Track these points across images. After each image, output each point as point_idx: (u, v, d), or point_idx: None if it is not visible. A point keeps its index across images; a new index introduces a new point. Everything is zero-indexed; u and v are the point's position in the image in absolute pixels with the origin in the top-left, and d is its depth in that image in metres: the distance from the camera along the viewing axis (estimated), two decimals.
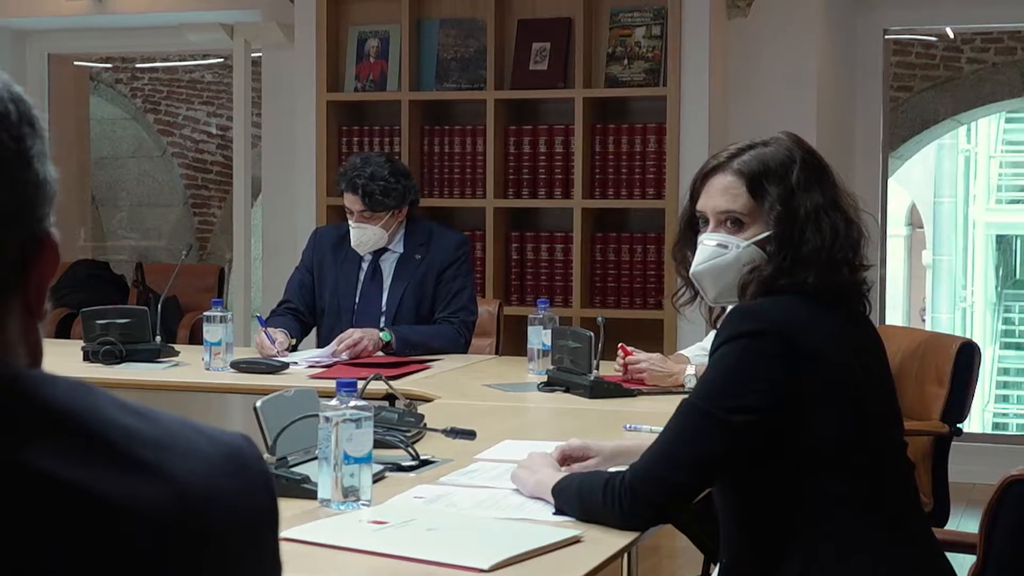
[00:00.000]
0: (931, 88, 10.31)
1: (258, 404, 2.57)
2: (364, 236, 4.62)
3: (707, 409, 2.24)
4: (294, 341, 4.59)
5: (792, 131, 2.48)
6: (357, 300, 4.70)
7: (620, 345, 3.98)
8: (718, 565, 2.46)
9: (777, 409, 2.22)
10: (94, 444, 0.99)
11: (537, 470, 2.48)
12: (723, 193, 2.40)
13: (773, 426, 2.22)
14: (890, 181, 7.50)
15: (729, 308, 2.41)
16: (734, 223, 2.40)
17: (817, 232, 2.31)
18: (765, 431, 2.22)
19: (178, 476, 1.02)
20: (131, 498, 0.99)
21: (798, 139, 2.44)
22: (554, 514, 2.35)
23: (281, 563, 1.12)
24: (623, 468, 2.44)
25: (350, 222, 4.64)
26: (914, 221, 14.48)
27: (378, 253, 4.71)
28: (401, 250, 4.71)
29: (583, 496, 2.32)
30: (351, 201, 4.61)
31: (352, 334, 4.43)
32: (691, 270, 2.47)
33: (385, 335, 4.47)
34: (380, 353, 4.47)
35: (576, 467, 2.56)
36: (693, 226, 2.49)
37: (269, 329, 4.48)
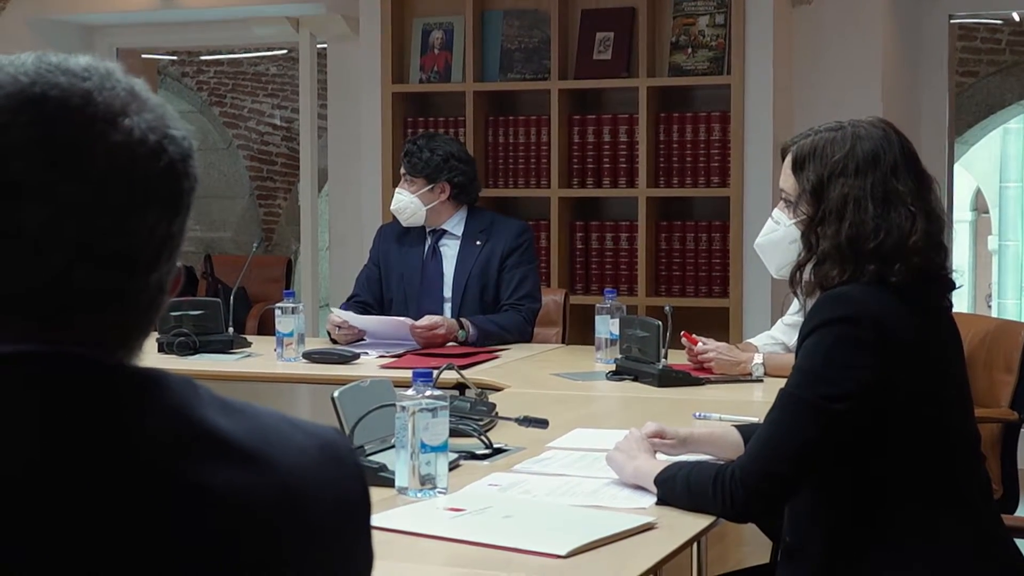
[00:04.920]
0: (997, 73, 10.22)
1: (336, 394, 2.62)
2: (400, 202, 4.71)
3: (806, 398, 2.25)
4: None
5: (857, 117, 2.46)
6: (420, 282, 4.74)
7: (684, 333, 3.99)
8: (781, 545, 2.48)
9: (869, 396, 2.23)
10: (202, 438, 1.03)
11: (635, 455, 2.50)
12: (783, 172, 2.47)
13: (865, 412, 2.23)
14: (955, 166, 7.45)
15: (818, 294, 2.40)
16: (787, 202, 2.46)
17: (838, 221, 2.32)
18: (860, 417, 2.23)
19: (280, 469, 1.05)
20: (237, 490, 1.02)
21: (876, 125, 2.40)
22: (657, 503, 2.37)
23: (373, 552, 1.14)
24: (708, 457, 2.49)
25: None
26: (980, 206, 14.35)
27: (437, 236, 4.76)
28: (460, 234, 4.75)
29: (691, 489, 2.33)
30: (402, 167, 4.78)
31: (434, 318, 4.48)
32: (755, 241, 2.60)
33: (461, 334, 4.51)
34: (452, 343, 4.51)
35: (658, 443, 2.59)
36: None
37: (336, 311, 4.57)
